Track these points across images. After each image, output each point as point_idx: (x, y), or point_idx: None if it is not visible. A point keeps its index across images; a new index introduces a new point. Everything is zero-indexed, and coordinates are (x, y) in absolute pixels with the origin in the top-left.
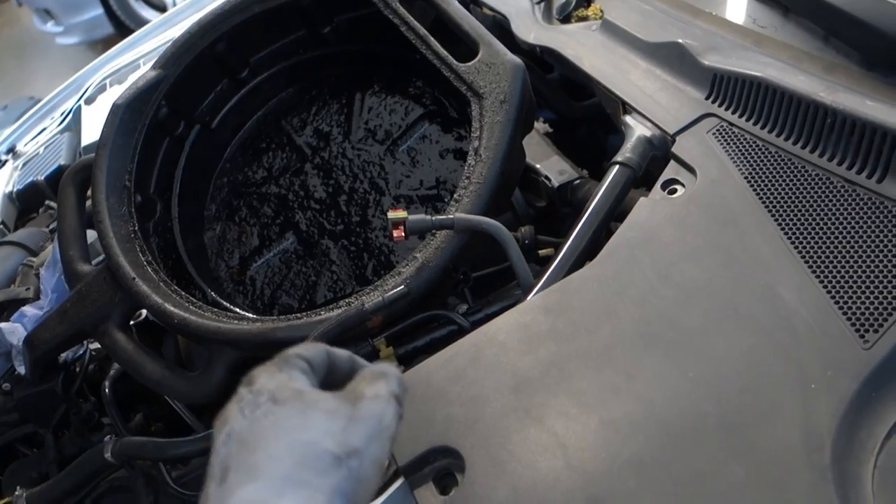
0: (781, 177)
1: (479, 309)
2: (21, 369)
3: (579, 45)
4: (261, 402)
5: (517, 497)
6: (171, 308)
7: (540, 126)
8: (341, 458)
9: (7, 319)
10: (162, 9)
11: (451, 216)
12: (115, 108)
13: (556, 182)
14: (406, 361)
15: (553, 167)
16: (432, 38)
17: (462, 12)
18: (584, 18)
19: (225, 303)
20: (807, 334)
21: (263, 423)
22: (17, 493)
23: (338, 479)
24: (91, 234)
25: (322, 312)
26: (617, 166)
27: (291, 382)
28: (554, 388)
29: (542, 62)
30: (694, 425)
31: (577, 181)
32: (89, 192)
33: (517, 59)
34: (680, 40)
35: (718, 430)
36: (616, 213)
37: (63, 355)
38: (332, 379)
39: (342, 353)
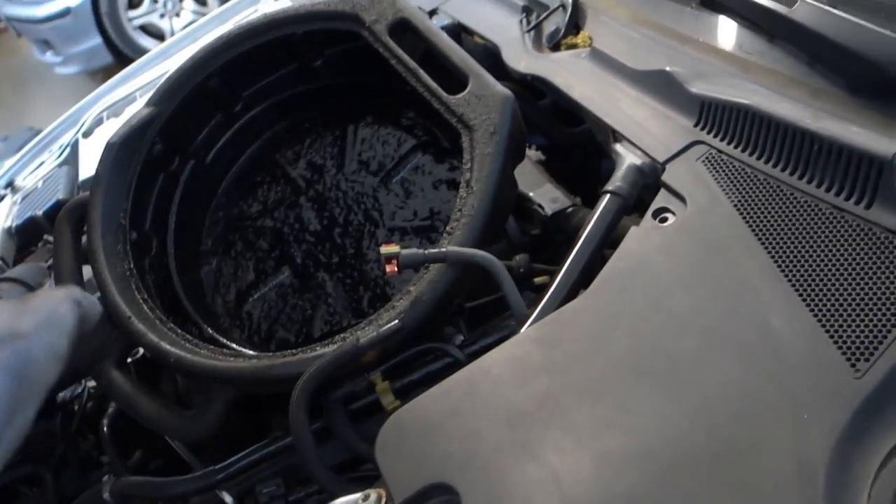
0: (770, 204)
1: (475, 341)
2: None
3: (569, 74)
4: None
5: None
6: (167, 346)
7: (532, 154)
8: (5, 339)
9: None
10: (160, 37)
11: (444, 250)
12: (110, 147)
13: (549, 210)
14: (403, 395)
15: (546, 195)
16: (422, 71)
17: (451, 44)
18: (574, 46)
19: (222, 338)
20: (798, 363)
21: None
22: None
23: (2, 357)
24: (87, 271)
25: (318, 348)
26: (608, 195)
27: None
28: (548, 422)
29: (533, 88)
30: (686, 457)
31: (570, 209)
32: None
33: (506, 91)
34: (667, 68)
35: (710, 462)
36: (609, 241)
37: (61, 394)
38: None
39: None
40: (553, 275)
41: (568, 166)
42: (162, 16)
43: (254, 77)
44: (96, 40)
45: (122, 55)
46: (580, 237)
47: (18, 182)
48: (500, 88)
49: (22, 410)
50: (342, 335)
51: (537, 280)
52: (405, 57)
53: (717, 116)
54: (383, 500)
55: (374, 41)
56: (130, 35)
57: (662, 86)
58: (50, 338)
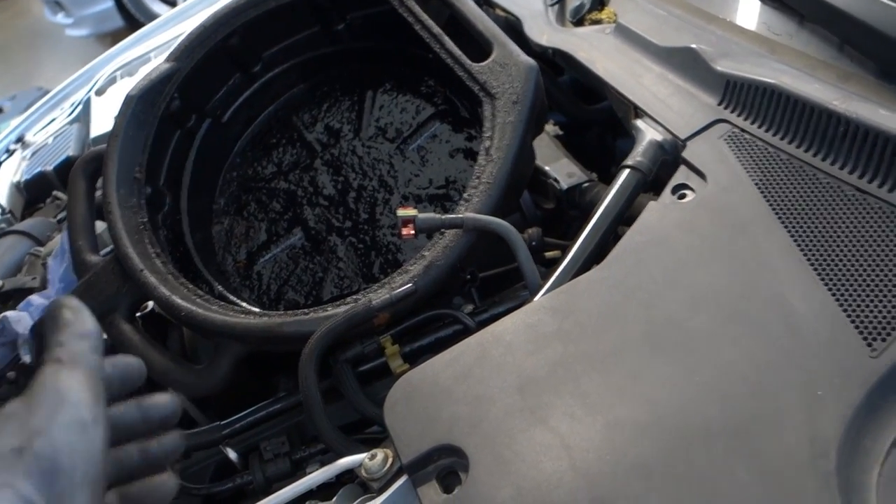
0: (792, 184)
1: (486, 309)
2: (27, 358)
3: (592, 49)
4: None
5: (521, 497)
6: (179, 300)
7: (550, 128)
8: (23, 446)
9: (13, 308)
10: (172, 3)
11: (461, 216)
12: (129, 100)
13: (564, 184)
14: (411, 359)
15: (562, 169)
16: (446, 37)
17: (477, 12)
18: (598, 22)
19: (231, 297)
20: (814, 341)
21: None
22: None
23: (23, 468)
24: (99, 225)
25: (329, 308)
26: (627, 170)
27: None
28: (560, 389)
29: (552, 65)
30: (699, 429)
31: (586, 184)
32: (99, 183)
33: (531, 61)
34: (693, 45)
35: (723, 435)
36: (624, 217)
37: None
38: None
39: None
40: (567, 247)
41: (583, 145)
42: None
43: (275, 38)
44: (108, 3)
45: (132, 19)
46: (597, 210)
47: (28, 138)
48: (525, 58)
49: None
50: (354, 297)
51: (548, 254)
52: (430, 22)
53: (742, 95)
54: (390, 460)
55: (399, 5)
56: None
57: (687, 63)
58: (73, 415)
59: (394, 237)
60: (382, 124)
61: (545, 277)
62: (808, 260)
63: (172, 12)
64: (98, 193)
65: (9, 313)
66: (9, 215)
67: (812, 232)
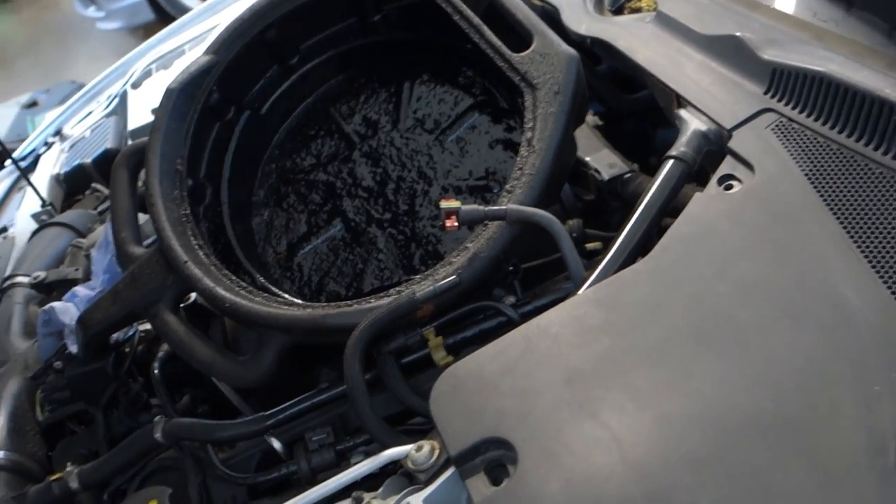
0: (843, 174)
1: (528, 301)
2: (73, 348)
3: (632, 37)
4: None
5: (570, 490)
6: (223, 292)
7: (590, 118)
8: None
9: (56, 299)
10: None
11: (504, 207)
12: (169, 92)
13: (606, 175)
14: (455, 352)
15: (603, 160)
16: (486, 28)
17: (516, 1)
18: (638, 10)
19: (273, 288)
20: (869, 334)
21: None
22: (68, 468)
23: None
24: (141, 217)
25: (372, 300)
26: (671, 160)
27: None
28: (608, 383)
29: (590, 54)
30: (751, 422)
31: (628, 175)
32: (141, 176)
33: (572, 50)
34: (738, 33)
35: (776, 428)
36: (669, 208)
37: (113, 337)
38: None
39: None
40: (611, 239)
41: (621, 135)
42: None
43: (312, 30)
44: None
45: (163, 12)
46: (642, 201)
47: (66, 130)
48: (566, 48)
49: None
50: (397, 289)
51: (589, 246)
52: (469, 12)
53: (789, 84)
54: (437, 452)
55: None
56: None
57: (731, 51)
58: None
59: (434, 229)
60: (420, 115)
61: (589, 269)
62: (862, 251)
63: (205, 5)
64: (140, 186)
65: (55, 304)
66: (49, 207)
67: (865, 223)
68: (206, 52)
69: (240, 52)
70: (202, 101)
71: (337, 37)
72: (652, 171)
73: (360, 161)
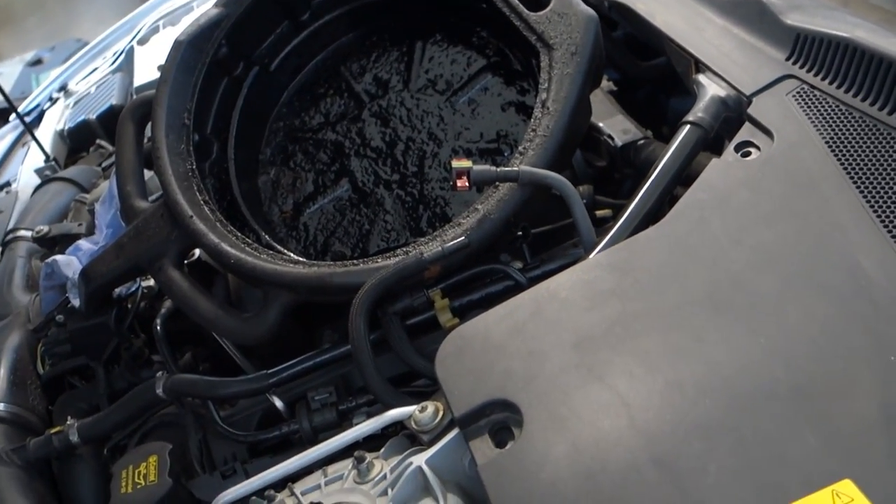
0: (865, 143)
1: (537, 265)
2: (75, 302)
3: (651, 1)
4: None
5: (577, 454)
6: (228, 248)
7: (604, 84)
8: None
9: (60, 253)
10: None
11: (516, 168)
12: (177, 45)
13: (619, 141)
14: (461, 314)
15: (617, 126)
16: None
17: None
18: None
19: (278, 246)
20: (887, 305)
21: None
22: (68, 422)
23: None
24: (146, 172)
25: (379, 260)
26: (688, 126)
27: None
28: (618, 347)
29: (605, 19)
30: (764, 391)
31: (641, 141)
32: (147, 130)
33: (590, 11)
34: None
35: (790, 397)
36: (683, 175)
37: (116, 291)
38: None
39: None
40: (624, 204)
41: (634, 103)
42: None
43: None
44: None
45: None
46: (656, 167)
47: (71, 87)
48: (585, 8)
49: None
50: (404, 249)
51: (599, 213)
52: None
53: (813, 50)
54: (441, 413)
55: None
56: None
57: (754, 16)
58: None
59: (443, 191)
60: (432, 76)
61: (600, 235)
62: (882, 221)
63: None
64: (146, 141)
65: (58, 257)
66: (53, 163)
67: (885, 193)
68: (217, 5)
69: (250, 5)
70: (210, 54)
71: None
72: (665, 141)
73: (369, 121)
